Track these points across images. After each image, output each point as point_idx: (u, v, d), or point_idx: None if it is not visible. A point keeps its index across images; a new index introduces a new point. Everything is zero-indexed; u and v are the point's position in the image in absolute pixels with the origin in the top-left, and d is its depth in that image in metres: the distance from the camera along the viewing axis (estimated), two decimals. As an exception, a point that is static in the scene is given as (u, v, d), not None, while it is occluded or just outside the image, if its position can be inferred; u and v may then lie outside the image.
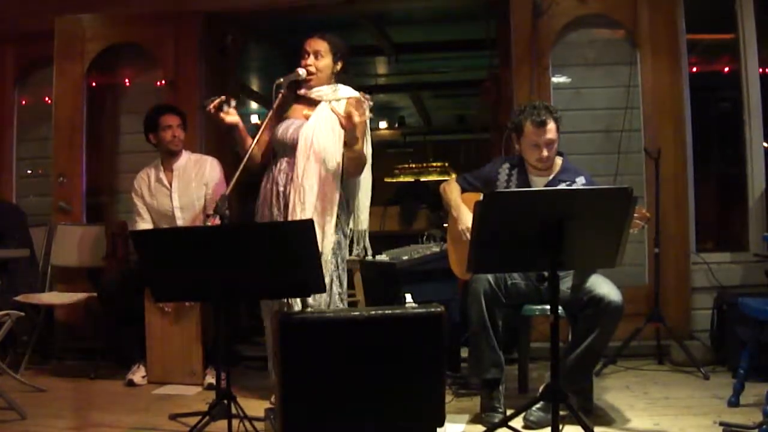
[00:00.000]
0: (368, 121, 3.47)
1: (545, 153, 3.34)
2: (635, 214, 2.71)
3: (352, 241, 3.64)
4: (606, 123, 4.65)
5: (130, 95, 5.25)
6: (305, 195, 3.37)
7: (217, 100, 3.36)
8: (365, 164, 3.52)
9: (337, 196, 3.44)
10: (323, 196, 3.40)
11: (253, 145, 3.34)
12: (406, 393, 2.61)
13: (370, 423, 2.62)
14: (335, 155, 3.43)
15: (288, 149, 3.48)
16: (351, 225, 3.63)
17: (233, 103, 3.43)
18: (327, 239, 3.39)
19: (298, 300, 3.34)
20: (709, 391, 3.68)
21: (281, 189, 3.47)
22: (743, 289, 4.36)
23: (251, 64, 7.95)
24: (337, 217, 3.45)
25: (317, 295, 3.30)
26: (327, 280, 3.34)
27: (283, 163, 3.50)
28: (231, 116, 3.41)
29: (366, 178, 3.63)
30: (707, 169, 5.04)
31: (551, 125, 3.33)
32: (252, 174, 4.13)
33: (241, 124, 3.47)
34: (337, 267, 3.47)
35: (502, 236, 2.59)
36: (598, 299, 3.09)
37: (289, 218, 3.37)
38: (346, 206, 3.55)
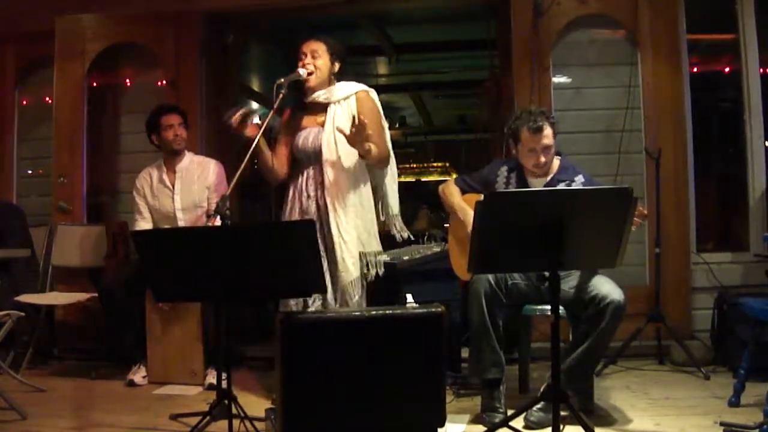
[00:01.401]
0: (382, 116, 3.56)
1: (542, 159, 3.36)
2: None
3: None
4: (606, 123, 4.65)
5: (130, 95, 5.25)
6: (344, 200, 3.41)
7: (239, 113, 3.32)
8: (387, 158, 3.53)
9: (370, 192, 3.50)
10: (359, 196, 3.45)
11: (256, 142, 3.32)
12: (406, 393, 2.62)
13: (371, 423, 2.62)
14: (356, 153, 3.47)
15: (312, 158, 3.50)
16: (381, 216, 3.64)
17: (255, 118, 3.41)
18: (373, 236, 3.46)
19: (317, 302, 3.38)
20: (710, 391, 3.68)
21: (312, 195, 3.49)
22: (744, 289, 4.36)
23: (252, 64, 7.95)
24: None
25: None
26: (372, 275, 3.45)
27: (310, 171, 3.52)
28: (252, 130, 3.38)
29: (391, 164, 3.64)
30: (708, 169, 5.04)
31: (547, 131, 3.35)
32: (253, 175, 4.13)
33: (263, 141, 3.42)
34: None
35: (502, 236, 2.59)
36: (600, 298, 3.09)
37: (331, 223, 3.38)
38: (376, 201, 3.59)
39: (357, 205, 3.44)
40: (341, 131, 3.37)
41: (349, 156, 3.42)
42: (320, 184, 3.46)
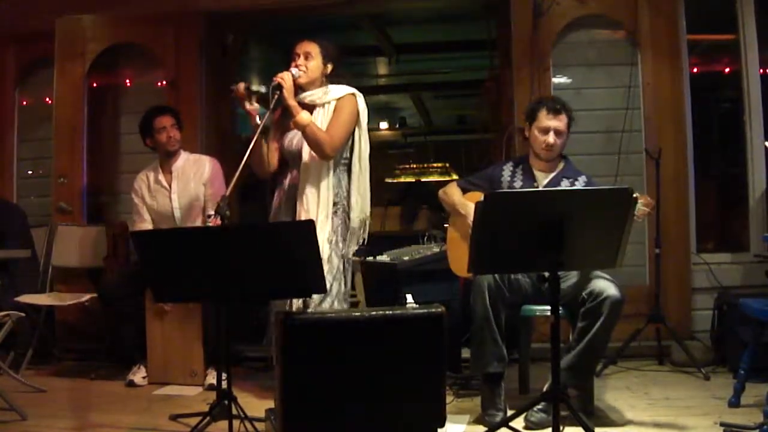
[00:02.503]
0: (363, 116, 3.49)
1: (551, 139, 3.43)
2: (640, 201, 2.79)
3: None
4: (607, 123, 4.64)
5: (130, 96, 5.25)
6: (309, 203, 3.41)
7: (245, 86, 3.36)
8: (326, 148, 3.38)
9: (330, 196, 3.45)
10: (321, 199, 3.43)
11: (253, 143, 3.32)
12: (406, 393, 2.61)
13: (371, 423, 2.62)
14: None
15: (296, 159, 3.52)
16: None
17: (254, 98, 3.42)
18: (323, 239, 3.37)
19: (299, 301, 3.35)
20: (710, 392, 3.68)
21: (291, 197, 3.50)
22: (744, 289, 4.36)
23: (252, 64, 7.95)
24: (335, 214, 3.46)
25: (315, 296, 3.31)
26: (329, 279, 3.35)
27: (293, 172, 3.54)
28: (253, 114, 3.41)
29: (355, 171, 3.54)
30: (708, 170, 5.04)
31: (563, 116, 3.46)
32: (252, 176, 4.12)
33: (255, 119, 3.42)
34: (342, 267, 3.47)
35: (502, 236, 2.59)
36: (597, 293, 3.10)
37: None
38: (348, 202, 3.54)
39: (316, 209, 3.41)
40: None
41: (323, 161, 3.43)
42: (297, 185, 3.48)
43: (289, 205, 3.52)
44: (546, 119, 3.46)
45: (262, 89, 3.49)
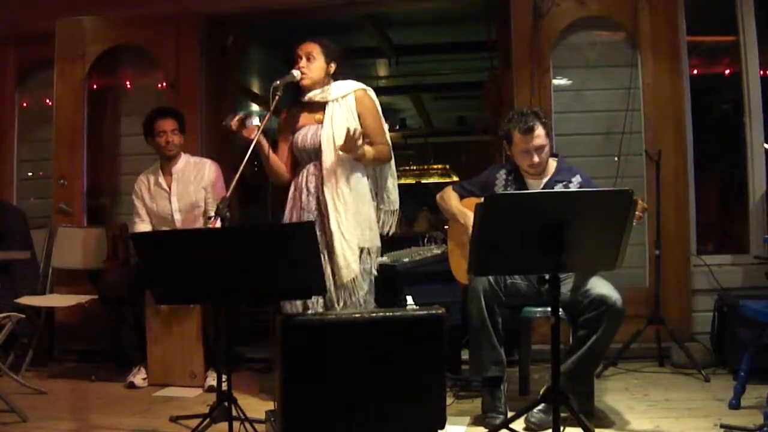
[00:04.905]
0: (381, 115, 3.60)
1: (536, 159, 3.37)
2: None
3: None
4: (606, 125, 4.64)
5: (130, 97, 5.25)
6: (344, 195, 3.43)
7: (237, 117, 3.39)
8: (388, 156, 3.59)
9: (368, 187, 3.54)
10: (358, 191, 3.48)
11: (255, 141, 3.33)
12: (406, 395, 2.62)
13: (371, 425, 2.62)
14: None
15: (312, 155, 3.53)
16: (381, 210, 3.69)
17: (254, 121, 3.44)
18: (375, 232, 3.50)
19: (320, 301, 3.39)
20: (710, 393, 3.68)
21: (312, 191, 3.51)
22: (744, 291, 4.36)
23: (252, 66, 7.96)
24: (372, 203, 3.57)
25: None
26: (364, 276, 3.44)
27: (310, 168, 3.55)
28: (250, 132, 3.41)
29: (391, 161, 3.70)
30: (708, 171, 5.04)
31: (539, 131, 3.36)
32: (253, 177, 4.14)
33: (264, 142, 3.47)
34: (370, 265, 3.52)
35: (502, 238, 2.59)
36: (598, 302, 3.09)
37: (331, 219, 3.40)
38: (375, 195, 3.63)
39: (356, 200, 3.45)
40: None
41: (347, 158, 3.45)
42: (320, 179, 3.48)
43: (309, 201, 3.51)
44: (522, 142, 3.36)
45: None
